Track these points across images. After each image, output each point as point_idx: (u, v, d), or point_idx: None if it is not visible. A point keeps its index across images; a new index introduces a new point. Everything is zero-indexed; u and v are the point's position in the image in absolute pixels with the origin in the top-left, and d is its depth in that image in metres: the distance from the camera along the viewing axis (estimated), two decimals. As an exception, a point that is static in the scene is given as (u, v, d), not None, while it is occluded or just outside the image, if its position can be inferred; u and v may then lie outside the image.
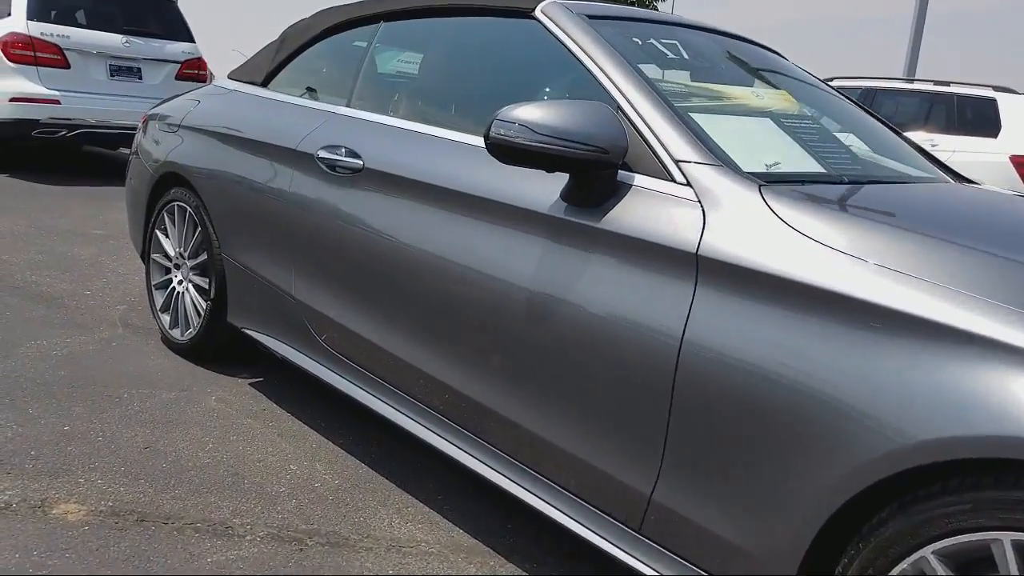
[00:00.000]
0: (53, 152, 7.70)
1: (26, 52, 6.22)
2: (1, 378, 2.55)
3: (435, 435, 1.93)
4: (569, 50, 1.80)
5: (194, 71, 7.22)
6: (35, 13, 6.31)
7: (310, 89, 2.61)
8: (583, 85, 1.76)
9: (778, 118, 1.86)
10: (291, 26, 2.81)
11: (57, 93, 6.29)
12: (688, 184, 1.48)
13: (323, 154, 2.22)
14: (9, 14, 6.31)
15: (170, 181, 2.93)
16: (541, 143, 1.50)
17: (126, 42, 6.70)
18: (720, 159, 1.51)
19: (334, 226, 2.14)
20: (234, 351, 2.88)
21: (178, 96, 3.24)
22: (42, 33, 6.28)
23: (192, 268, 2.85)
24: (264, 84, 2.79)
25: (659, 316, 1.41)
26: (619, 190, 1.55)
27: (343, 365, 2.23)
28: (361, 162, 2.09)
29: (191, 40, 7.26)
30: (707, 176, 1.47)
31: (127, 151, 8.18)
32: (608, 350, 1.48)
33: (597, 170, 1.53)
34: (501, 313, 1.68)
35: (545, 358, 1.60)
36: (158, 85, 6.91)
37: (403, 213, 1.94)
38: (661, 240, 1.44)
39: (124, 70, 6.74)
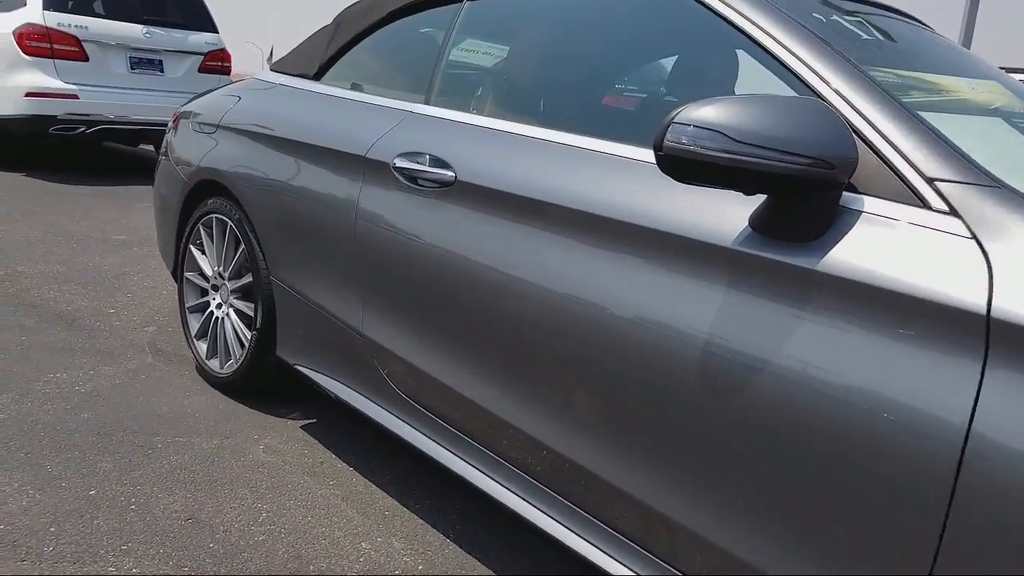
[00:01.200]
0: (70, 149, 7.37)
1: (42, 44, 5.86)
2: (16, 423, 2.18)
3: (548, 517, 1.52)
4: (740, 30, 1.38)
5: (218, 63, 6.85)
6: (51, 3, 5.94)
7: (373, 83, 2.20)
8: (762, 76, 1.34)
9: (1008, 116, 1.43)
10: (347, 8, 2.40)
11: (75, 87, 5.93)
12: (953, 212, 1.06)
13: (401, 163, 1.81)
14: (24, 4, 5.95)
15: (207, 189, 2.55)
16: (741, 155, 1.08)
17: (147, 33, 6.33)
18: (990, 177, 1.09)
19: (416, 252, 1.73)
20: (280, 384, 2.50)
21: (213, 91, 2.85)
22: (59, 24, 5.91)
23: (234, 291, 2.46)
24: (316, 77, 2.38)
25: (927, 400, 0.99)
26: (842, 218, 1.13)
27: (420, 417, 1.83)
28: (452, 174, 1.68)
29: (214, 30, 6.88)
30: (983, 202, 1.05)
31: (147, 148, 7.86)
32: (835, 438, 1.07)
33: (817, 191, 1.11)
34: (659, 374, 1.27)
35: (730, 440, 1.19)
36: (180, 78, 6.55)
37: (511, 240, 1.54)
38: (923, 293, 1.02)
39: (145, 62, 6.37)
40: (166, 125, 6.50)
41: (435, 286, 1.69)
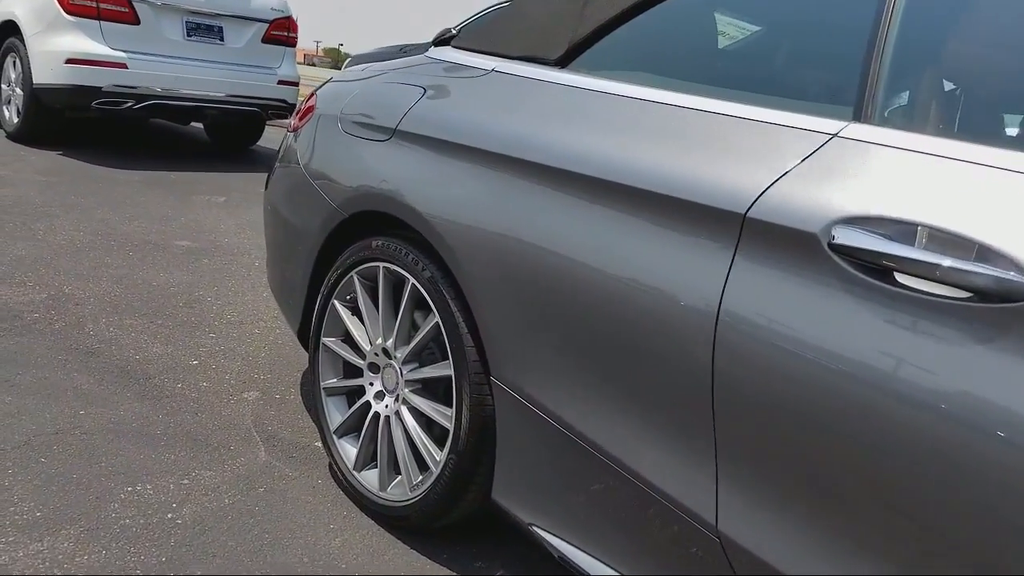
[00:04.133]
0: (112, 125, 6.54)
1: (88, 2, 5.01)
2: (86, 599, 1.36)
3: None
4: None
5: (283, 33, 5.98)
6: (98, -46, 5.10)
7: (689, 79, 1.34)
8: None
9: None
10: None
11: (124, 55, 5.08)
12: None
13: (847, 238, 0.96)
14: (67, -46, 5.10)
15: (371, 223, 1.71)
16: None
17: (206, -6, 5.47)
18: None
19: (904, 415, 0.89)
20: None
21: (363, 75, 2.00)
22: (107, -21, 5.07)
23: (411, 382, 1.63)
24: (563, 63, 1.53)
25: None
26: None
27: None
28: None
29: (280, -6, 6.01)
30: None
31: (197, 126, 7.00)
32: None
33: None
34: None
35: None
36: (242, 49, 5.70)
37: None
38: None
39: (203, 29, 5.51)
40: (224, 102, 5.70)
41: (951, 477, 0.85)
